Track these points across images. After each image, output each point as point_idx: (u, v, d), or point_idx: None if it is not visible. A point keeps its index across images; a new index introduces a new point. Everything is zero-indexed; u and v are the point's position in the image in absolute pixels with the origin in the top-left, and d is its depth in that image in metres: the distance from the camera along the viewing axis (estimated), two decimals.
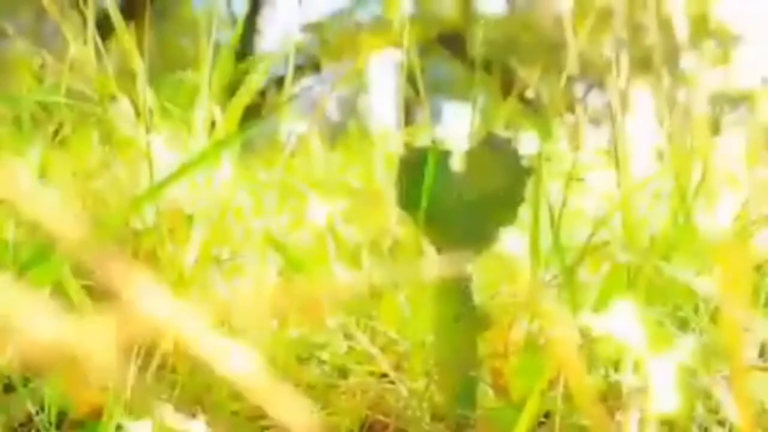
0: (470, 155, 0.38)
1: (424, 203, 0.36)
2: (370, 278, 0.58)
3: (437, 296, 0.38)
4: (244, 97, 0.92)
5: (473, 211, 0.37)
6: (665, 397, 0.16)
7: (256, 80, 0.89)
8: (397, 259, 0.56)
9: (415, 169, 0.37)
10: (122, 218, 0.49)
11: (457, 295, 0.37)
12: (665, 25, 3.12)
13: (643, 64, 3.13)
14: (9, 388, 0.49)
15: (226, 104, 0.97)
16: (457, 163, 0.37)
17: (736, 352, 0.17)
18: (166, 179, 0.33)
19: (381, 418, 0.42)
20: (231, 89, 1.00)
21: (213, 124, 0.93)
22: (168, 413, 0.35)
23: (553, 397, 0.32)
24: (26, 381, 0.49)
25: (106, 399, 0.49)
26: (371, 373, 0.47)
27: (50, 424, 0.47)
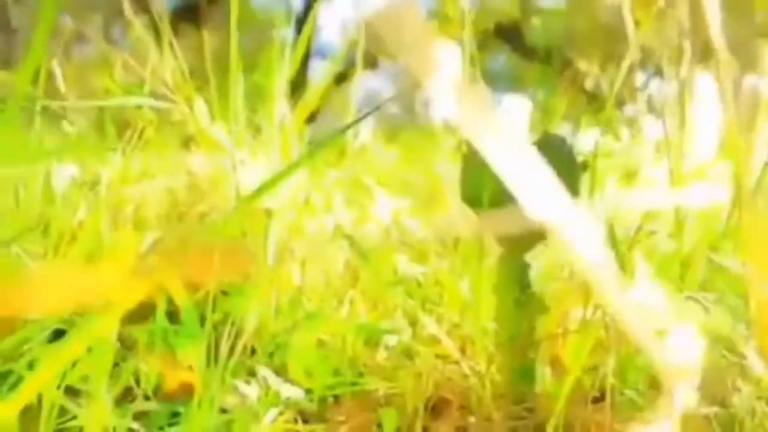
0: None
1: (485, 198, 0.40)
2: (433, 269, 0.61)
3: (498, 283, 0.42)
4: (314, 96, 0.96)
5: None
6: (687, 352, 0.19)
7: (322, 81, 0.93)
8: (460, 251, 0.60)
9: (478, 166, 0.40)
10: (227, 222, 0.54)
11: (516, 282, 0.41)
12: (732, 10, 3.02)
13: (708, 52, 3.03)
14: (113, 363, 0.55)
15: (290, 102, 1.01)
16: None
17: (763, 317, 0.20)
18: (260, 188, 0.37)
19: (446, 396, 0.46)
20: (293, 87, 1.04)
21: (281, 122, 0.98)
22: (270, 377, 0.39)
23: (605, 374, 0.35)
24: (125, 358, 0.55)
25: (195, 377, 0.54)
26: (437, 356, 0.50)
27: (146, 397, 0.53)
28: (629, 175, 0.56)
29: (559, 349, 0.42)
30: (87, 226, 0.78)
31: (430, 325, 0.49)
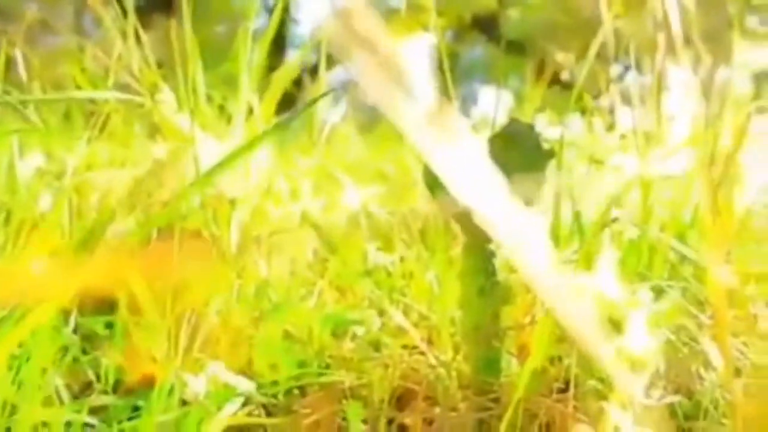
0: (493, 140, 0.40)
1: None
2: (401, 258, 0.60)
3: (463, 272, 0.41)
4: (280, 86, 0.95)
5: None
6: (639, 340, 0.18)
7: (291, 70, 0.92)
8: (426, 240, 0.59)
9: None
10: (171, 206, 0.53)
11: (481, 270, 0.40)
12: (704, 4, 3.05)
13: (682, 43, 3.06)
14: (72, 358, 0.54)
15: (263, 91, 1.00)
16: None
17: (719, 305, 0.20)
18: (212, 169, 0.36)
19: (411, 387, 0.45)
20: (267, 76, 1.03)
21: (251, 111, 0.96)
22: (220, 369, 0.38)
23: (570, 364, 0.35)
24: (85, 351, 0.54)
25: (157, 368, 0.53)
26: (403, 347, 0.50)
27: (107, 391, 0.51)
28: (597, 162, 0.56)
29: (526, 337, 0.41)
30: (49, 216, 0.76)
31: (396, 316, 0.48)
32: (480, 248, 0.40)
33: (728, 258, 0.45)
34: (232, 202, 0.54)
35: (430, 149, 0.17)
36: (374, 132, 1.88)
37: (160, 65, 0.93)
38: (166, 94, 0.85)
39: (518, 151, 0.40)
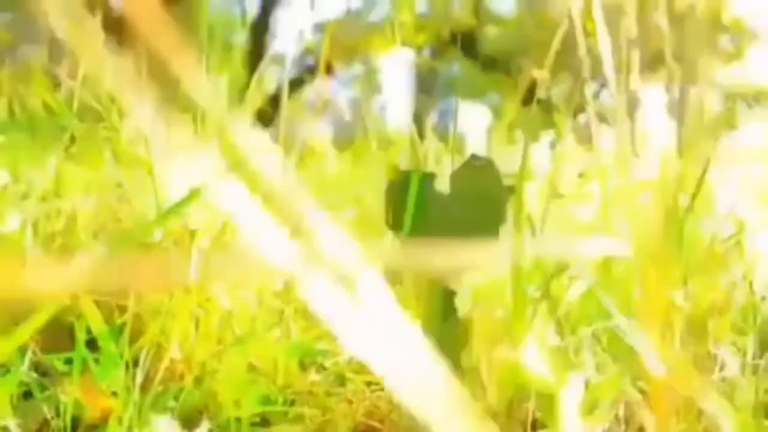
0: (454, 177, 0.40)
1: (409, 224, 0.39)
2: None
3: (424, 310, 0.40)
4: (253, 103, 0.94)
5: (456, 229, 0.39)
6: (573, 423, 0.18)
7: (265, 87, 0.91)
8: (392, 275, 0.59)
9: (401, 191, 0.39)
10: (132, 236, 0.52)
11: (441, 309, 0.40)
12: (678, 22, 3.11)
13: (655, 62, 3.13)
14: (27, 395, 0.52)
15: (239, 107, 0.99)
16: (441, 185, 0.40)
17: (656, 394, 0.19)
18: (177, 204, 0.35)
19: (373, 424, 0.44)
20: (244, 91, 1.02)
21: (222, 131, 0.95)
22: (169, 427, 0.37)
23: (527, 408, 0.34)
24: (43, 388, 0.52)
25: (117, 405, 0.52)
26: (368, 383, 0.49)
27: (65, 428, 0.50)
28: (559, 197, 0.56)
29: (486, 378, 0.41)
30: (12, 239, 0.74)
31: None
32: (440, 287, 0.40)
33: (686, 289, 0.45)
34: (193, 233, 0.53)
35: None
36: (350, 149, 1.88)
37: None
38: (133, 120, 0.84)
39: (479, 187, 0.40)
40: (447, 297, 0.40)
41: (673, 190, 0.63)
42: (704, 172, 0.60)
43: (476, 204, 0.39)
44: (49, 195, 0.87)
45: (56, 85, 0.94)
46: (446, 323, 0.39)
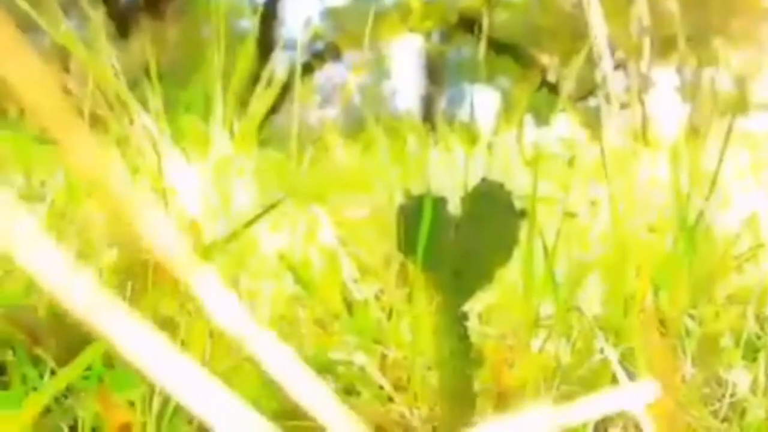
0: (466, 200, 0.40)
1: (422, 247, 0.39)
2: (379, 298, 0.60)
3: (436, 332, 0.41)
4: (265, 98, 0.94)
5: (469, 253, 0.39)
6: None
7: (276, 79, 0.91)
8: (405, 281, 0.59)
9: (414, 215, 0.39)
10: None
11: (453, 332, 0.40)
12: (691, 5, 3.07)
13: (668, 46, 3.09)
14: (45, 410, 0.53)
15: (250, 94, 0.99)
16: (454, 208, 0.40)
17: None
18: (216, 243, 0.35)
19: None
20: (254, 78, 1.02)
21: (232, 126, 0.96)
22: None
23: None
24: (60, 401, 0.53)
25: (135, 417, 0.52)
26: (377, 396, 0.50)
27: None
28: (570, 216, 0.56)
29: (498, 402, 0.41)
30: None
31: (370, 366, 0.48)
32: (452, 309, 0.40)
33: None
34: (208, 248, 0.54)
35: None
36: (360, 139, 1.87)
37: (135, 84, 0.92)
38: (140, 124, 0.84)
39: (490, 211, 0.40)
40: (459, 319, 0.40)
41: (685, 190, 0.63)
42: (716, 173, 0.60)
43: (488, 227, 0.39)
44: (60, 199, 0.87)
45: (64, 91, 0.95)
46: (457, 345, 0.40)
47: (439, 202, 0.40)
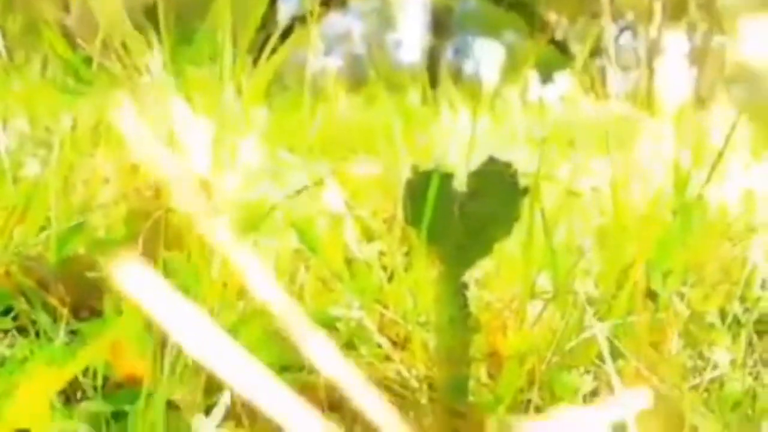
0: (471, 177, 0.42)
1: (427, 220, 0.40)
2: (380, 259, 0.62)
3: (437, 299, 0.43)
4: (272, 63, 0.94)
5: (472, 226, 0.41)
6: None
7: (282, 51, 0.91)
8: (407, 243, 0.61)
9: (420, 190, 0.41)
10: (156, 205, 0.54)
11: (453, 300, 0.42)
12: None
13: (678, 8, 3.04)
14: None
15: (256, 42, 0.98)
16: (459, 184, 0.41)
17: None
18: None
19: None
20: (261, 25, 1.02)
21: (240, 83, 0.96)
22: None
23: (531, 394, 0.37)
24: (72, 350, 0.55)
25: (144, 366, 0.55)
26: (375, 355, 0.52)
27: (95, 388, 0.53)
28: (574, 194, 0.57)
29: (498, 344, 0.43)
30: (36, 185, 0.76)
31: (368, 325, 0.50)
32: (453, 278, 0.42)
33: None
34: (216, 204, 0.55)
35: None
36: (362, 92, 1.86)
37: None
38: (152, 67, 0.84)
39: (495, 189, 0.41)
40: (459, 288, 0.42)
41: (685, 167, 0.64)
42: (720, 154, 0.60)
43: (492, 204, 0.41)
44: (66, 143, 0.88)
45: (72, 45, 0.94)
46: (457, 314, 0.42)
47: (446, 178, 0.41)
